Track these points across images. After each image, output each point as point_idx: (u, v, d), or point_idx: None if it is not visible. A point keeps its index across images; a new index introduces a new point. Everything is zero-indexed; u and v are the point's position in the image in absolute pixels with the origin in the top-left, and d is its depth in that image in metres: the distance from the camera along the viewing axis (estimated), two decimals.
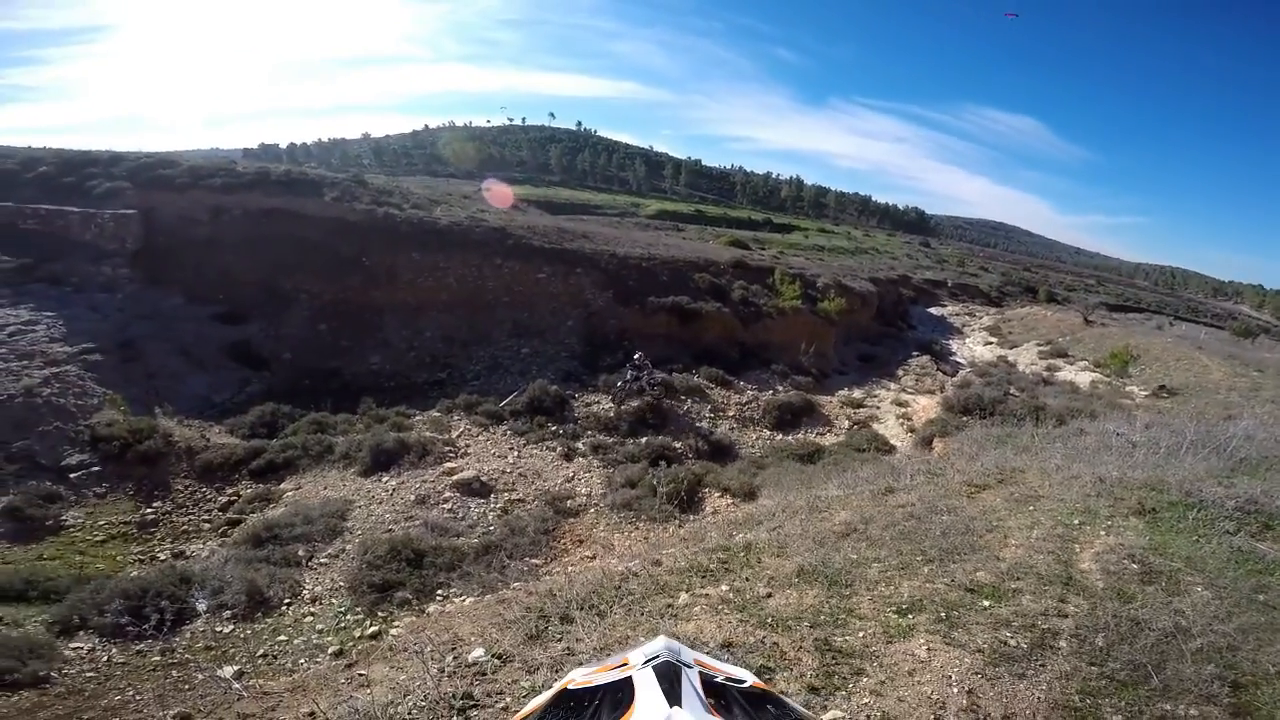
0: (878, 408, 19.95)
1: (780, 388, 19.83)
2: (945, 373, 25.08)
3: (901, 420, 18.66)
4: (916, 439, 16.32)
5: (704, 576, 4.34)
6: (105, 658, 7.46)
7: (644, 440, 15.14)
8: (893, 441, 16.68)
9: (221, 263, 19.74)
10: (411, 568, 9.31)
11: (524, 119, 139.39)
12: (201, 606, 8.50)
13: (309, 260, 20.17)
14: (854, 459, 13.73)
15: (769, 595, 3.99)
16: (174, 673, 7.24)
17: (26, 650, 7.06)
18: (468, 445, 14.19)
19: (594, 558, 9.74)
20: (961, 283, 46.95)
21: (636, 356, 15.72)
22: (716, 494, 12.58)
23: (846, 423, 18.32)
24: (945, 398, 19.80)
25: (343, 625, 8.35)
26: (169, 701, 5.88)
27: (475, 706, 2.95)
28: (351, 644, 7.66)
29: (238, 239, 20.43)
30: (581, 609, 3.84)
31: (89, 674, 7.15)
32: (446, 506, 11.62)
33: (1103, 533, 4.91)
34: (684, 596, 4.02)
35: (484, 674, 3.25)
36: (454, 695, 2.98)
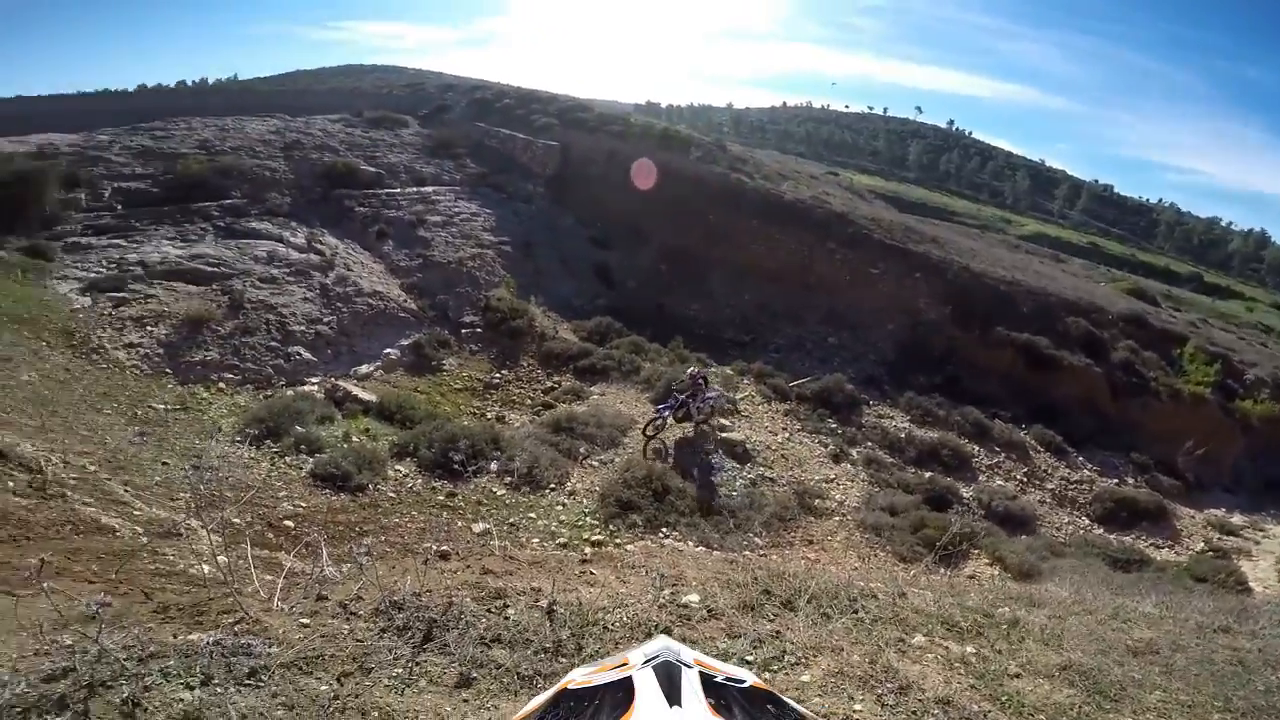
0: (1257, 543, 14.55)
1: (1131, 480, 15.78)
2: None
3: None
4: None
5: (950, 630, 3.84)
6: (410, 485, 9.65)
7: (928, 475, 13.69)
8: (1254, 585, 12.15)
9: (604, 197, 23.31)
10: (655, 499, 10.12)
11: (885, 109, 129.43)
12: (493, 467, 10.44)
13: (666, 208, 22.52)
14: (1187, 587, 10.45)
15: (1017, 676, 3.41)
16: (445, 514, 9.01)
17: (365, 462, 9.52)
18: (747, 410, 14.59)
19: (817, 562, 9.22)
20: None
21: (692, 372, 12.86)
22: (986, 560, 10.98)
23: (1200, 545, 13.84)
24: None
25: (579, 524, 9.48)
26: (431, 536, 7.14)
27: None
28: (579, 544, 8.58)
29: (621, 179, 23.81)
30: (808, 603, 3.72)
31: (390, 495, 9.29)
32: (706, 457, 12.21)
33: None
34: (920, 638, 3.62)
35: (689, 619, 3.41)
36: (656, 625, 3.21)
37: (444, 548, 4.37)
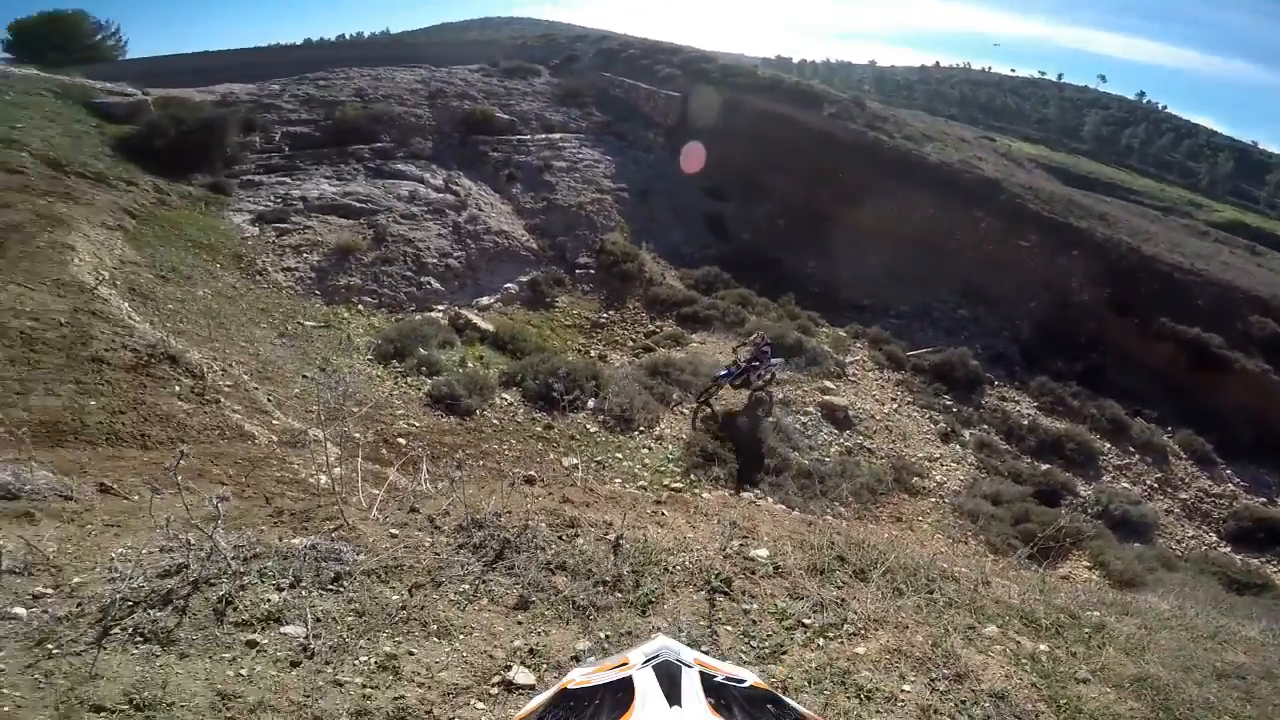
0: None
1: None
2: None
3: None
4: None
5: (1027, 625, 3.58)
6: (513, 414, 10.18)
7: (1045, 468, 12.59)
8: None
9: (724, 149, 22.54)
10: (742, 455, 9.97)
11: (1060, 75, 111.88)
12: (590, 404, 10.80)
13: (791, 162, 21.40)
14: None
15: (1084, 681, 3.13)
16: (540, 445, 9.41)
17: (476, 388, 10.12)
18: (855, 375, 13.95)
19: (900, 538, 8.94)
20: None
21: (756, 338, 11.91)
22: (1085, 562, 10.14)
23: None
24: None
25: (661, 469, 9.60)
26: (523, 464, 7.65)
27: (726, 594, 3.04)
28: (658, 488, 8.71)
29: (742, 132, 22.86)
30: (883, 575, 3.52)
31: (494, 421, 9.88)
32: (804, 419, 11.86)
33: None
34: (992, 629, 3.39)
35: (753, 573, 3.35)
36: (717, 574, 3.15)
37: (531, 473, 4.58)
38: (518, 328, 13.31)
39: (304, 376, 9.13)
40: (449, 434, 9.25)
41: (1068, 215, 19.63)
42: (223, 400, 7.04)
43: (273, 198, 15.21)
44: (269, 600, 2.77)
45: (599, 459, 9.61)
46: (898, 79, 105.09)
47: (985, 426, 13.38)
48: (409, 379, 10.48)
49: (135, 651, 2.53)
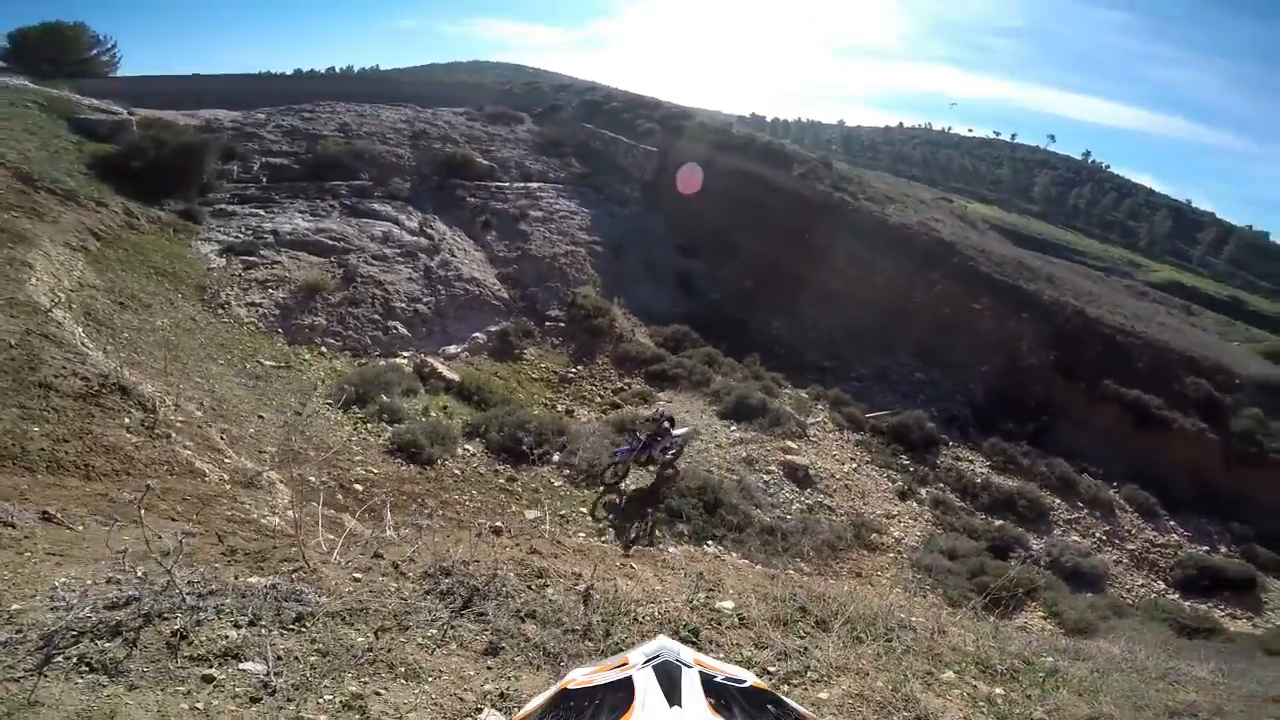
0: None
1: (1224, 549, 14.48)
2: None
3: None
4: None
5: (983, 671, 3.68)
6: (475, 465, 10.09)
7: (998, 523, 13.12)
8: None
9: (697, 206, 23.34)
10: (706, 511, 10.16)
11: (1014, 135, 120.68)
12: (555, 457, 10.82)
13: (760, 223, 22.24)
14: (1256, 659, 9.68)
15: None
16: (503, 497, 9.33)
17: (439, 437, 10.02)
18: (817, 436, 14.21)
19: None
20: None
21: (655, 411, 11.61)
22: (1040, 613, 10.57)
23: None
24: None
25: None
26: (486, 515, 7.57)
27: (694, 644, 3.09)
28: (625, 543, 8.66)
29: (715, 190, 23.75)
30: (843, 625, 3.59)
31: (455, 471, 9.78)
32: (766, 477, 12.02)
33: None
34: (949, 674, 3.48)
35: (719, 624, 3.40)
36: (685, 624, 3.22)
37: (497, 524, 4.51)
38: (484, 379, 13.22)
39: (260, 417, 8.88)
40: (409, 482, 9.04)
41: (1018, 278, 20.78)
42: (174, 435, 6.79)
43: (244, 229, 15.05)
44: (226, 637, 2.65)
45: (563, 512, 9.52)
46: (864, 139, 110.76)
47: (941, 485, 13.87)
48: (369, 425, 10.24)
49: (80, 681, 2.38)
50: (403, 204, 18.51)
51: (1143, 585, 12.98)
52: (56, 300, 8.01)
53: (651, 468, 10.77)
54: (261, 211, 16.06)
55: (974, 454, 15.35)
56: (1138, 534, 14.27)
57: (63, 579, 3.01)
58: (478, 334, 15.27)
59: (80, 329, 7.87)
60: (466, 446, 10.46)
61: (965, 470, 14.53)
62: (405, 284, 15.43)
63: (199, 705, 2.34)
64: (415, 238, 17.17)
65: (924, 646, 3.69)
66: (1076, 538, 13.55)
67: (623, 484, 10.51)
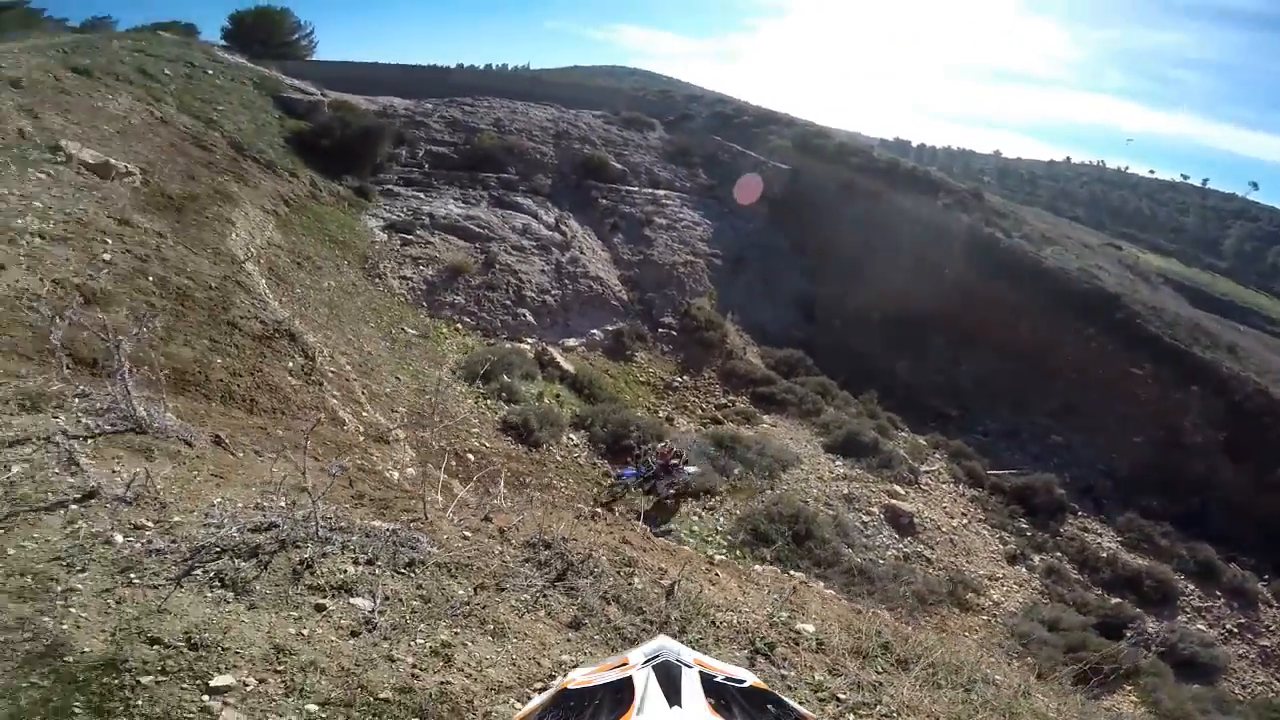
0: None
1: None
2: None
3: None
4: None
5: None
6: (576, 455, 10.44)
7: (1115, 601, 11.84)
8: None
9: (826, 228, 22.65)
10: (794, 540, 9.87)
11: (1205, 180, 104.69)
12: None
13: (896, 253, 21.17)
14: None
15: None
16: (595, 489, 9.62)
17: (548, 423, 10.55)
18: (928, 484, 13.39)
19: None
20: None
21: (661, 448, 10.76)
22: (1135, 697, 9.66)
23: None
24: None
25: (707, 539, 9.52)
26: (583, 503, 7.69)
27: (767, 658, 3.02)
28: (703, 557, 8.57)
29: (849, 214, 22.91)
30: (924, 667, 3.39)
31: (558, 458, 10.20)
32: (865, 517, 11.52)
33: None
34: None
35: (797, 644, 3.30)
36: (762, 638, 3.16)
37: (597, 509, 4.69)
38: (596, 374, 13.71)
39: (396, 379, 9.78)
40: (515, 460, 9.59)
41: (1192, 343, 18.26)
42: (325, 384, 7.65)
43: (405, 210, 16.63)
44: (345, 571, 2.92)
45: (647, 509, 9.70)
46: (1022, 172, 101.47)
47: (1059, 554, 12.78)
48: (488, 401, 10.98)
49: (209, 595, 2.66)
50: (543, 199, 19.62)
51: (1263, 683, 11.47)
52: (249, 254, 9.31)
53: (652, 496, 10.40)
54: (422, 195, 17.67)
55: (1104, 527, 13.85)
56: (1278, 630, 12.45)
57: (219, 499, 3.39)
58: (595, 331, 15.86)
59: (264, 281, 9.09)
60: (572, 436, 10.94)
61: (1090, 542, 13.19)
62: (537, 275, 16.35)
63: (304, 632, 2.58)
64: (551, 232, 18.14)
65: (1004, 704, 3.41)
66: (1202, 626, 12.07)
67: (615, 507, 9.91)
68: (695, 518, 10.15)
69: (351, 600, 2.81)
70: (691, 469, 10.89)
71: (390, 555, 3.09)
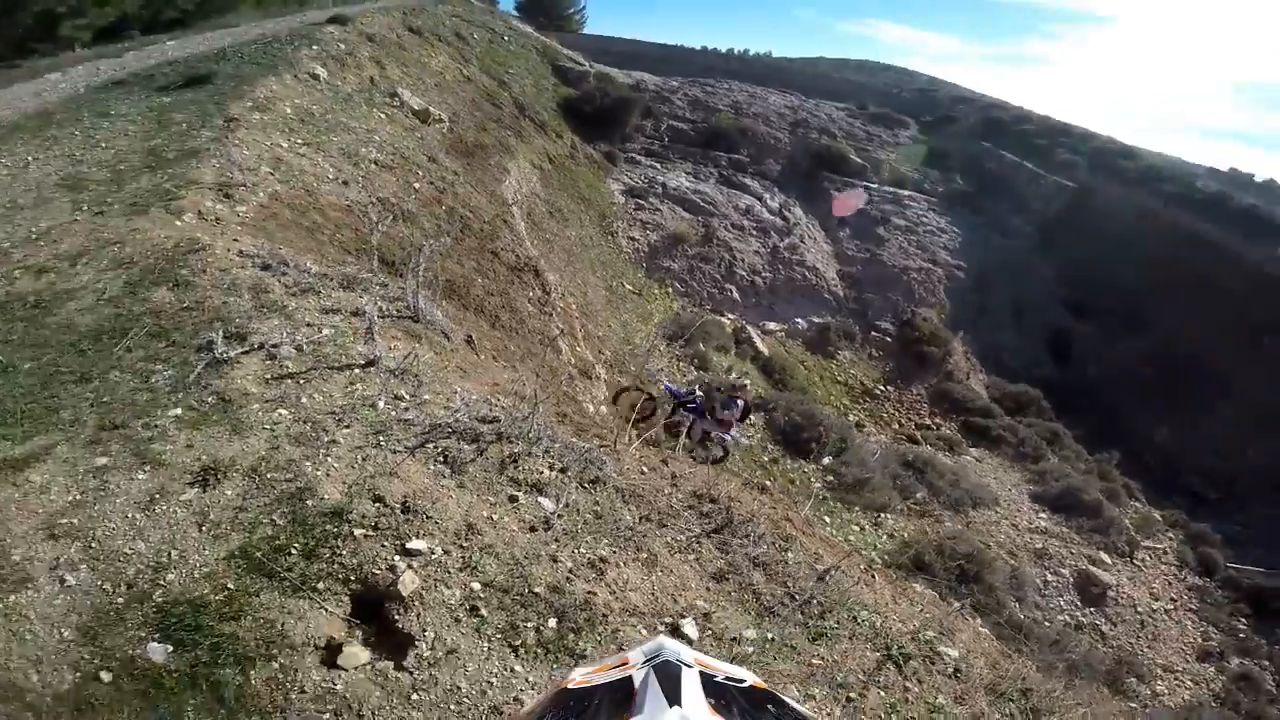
0: None
1: None
2: None
3: None
4: None
5: None
6: (749, 434, 10.23)
7: None
8: None
9: (1108, 259, 19.22)
10: (957, 578, 8.97)
11: None
12: (825, 460, 10.69)
13: (1197, 301, 17.33)
14: None
15: None
16: (759, 472, 9.42)
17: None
18: (1143, 560, 11.29)
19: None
20: None
21: (738, 382, 8.59)
22: None
23: None
24: None
25: (864, 551, 8.91)
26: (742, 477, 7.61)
27: (898, 667, 2.93)
28: (864, 557, 8.01)
29: (1140, 248, 19.16)
30: None
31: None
32: (1050, 576, 10.17)
33: None
34: None
35: (933, 663, 3.09)
36: (900, 648, 3.04)
37: (765, 482, 4.82)
38: (791, 362, 13.52)
39: (608, 325, 10.70)
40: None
41: None
42: (553, 316, 8.70)
43: (643, 178, 17.75)
44: (541, 473, 3.37)
45: (805, 513, 9.50)
46: None
47: (1264, 662, 10.22)
48: (680, 363, 11.50)
49: (432, 468, 3.12)
50: (770, 184, 19.52)
51: None
52: (516, 200, 10.77)
53: (682, 438, 7.94)
54: (658, 165, 18.67)
55: None
56: None
57: (460, 389, 3.96)
58: (799, 320, 15.57)
59: (523, 224, 10.47)
60: (752, 416, 10.98)
61: None
62: (751, 255, 16.45)
63: (494, 517, 3.01)
64: (773, 217, 18.04)
65: None
66: None
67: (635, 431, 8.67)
68: (857, 528, 9.70)
69: (539, 499, 3.20)
70: (745, 440, 9.37)
71: (580, 469, 3.48)
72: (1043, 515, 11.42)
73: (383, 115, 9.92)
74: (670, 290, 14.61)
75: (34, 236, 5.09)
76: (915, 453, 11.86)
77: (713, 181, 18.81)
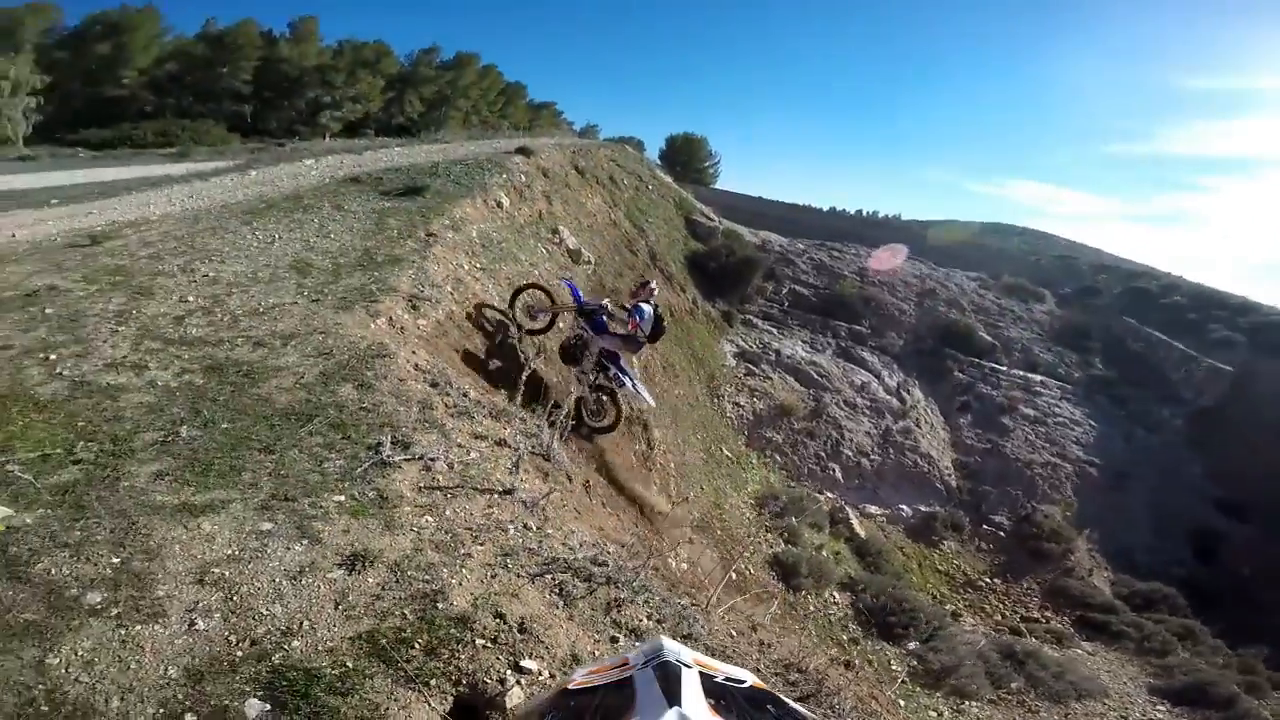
0: None
1: None
2: None
3: None
4: None
5: None
6: (831, 613, 9.87)
7: None
8: None
9: (1264, 453, 17.01)
10: None
11: None
12: (911, 645, 9.98)
13: None
14: None
15: None
16: (837, 650, 8.68)
17: (815, 573, 10.39)
18: None
19: None
20: None
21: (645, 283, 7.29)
22: None
23: None
24: None
25: None
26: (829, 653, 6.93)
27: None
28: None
29: None
30: None
31: (810, 609, 9.70)
32: None
33: None
34: None
35: None
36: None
37: (847, 659, 4.68)
38: (888, 547, 12.95)
39: (700, 488, 10.91)
40: (771, 597, 9.62)
41: None
42: (653, 471, 9.12)
43: (757, 342, 18.46)
44: (640, 620, 3.47)
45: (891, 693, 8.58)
46: None
47: None
48: (769, 535, 11.32)
49: (547, 597, 3.22)
50: (889, 360, 19.40)
51: None
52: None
53: (577, 373, 7.25)
54: (774, 330, 19.37)
55: None
56: None
57: (576, 529, 4.24)
58: (904, 507, 14.84)
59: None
60: (836, 595, 10.57)
61: None
62: (861, 435, 16.18)
63: (595, 652, 3.10)
64: (889, 396, 17.82)
65: None
66: None
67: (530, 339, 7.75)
68: (934, 713, 8.57)
69: (636, 643, 3.25)
70: (649, 399, 7.98)
71: (675, 623, 3.64)
72: (1161, 708, 9.72)
73: (544, 251, 10.90)
74: (769, 462, 14.60)
75: (261, 310, 5.83)
76: (1018, 644, 10.60)
77: (829, 353, 18.94)
